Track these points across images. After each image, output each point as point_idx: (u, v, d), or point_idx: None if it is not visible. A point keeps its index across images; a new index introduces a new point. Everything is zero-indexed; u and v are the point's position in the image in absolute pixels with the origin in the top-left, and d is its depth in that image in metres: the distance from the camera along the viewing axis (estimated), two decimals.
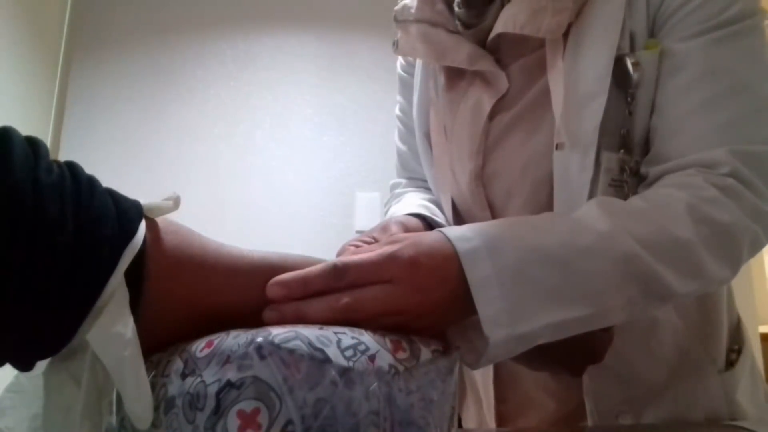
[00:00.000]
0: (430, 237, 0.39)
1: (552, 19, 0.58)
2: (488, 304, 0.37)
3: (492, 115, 0.66)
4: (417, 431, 0.30)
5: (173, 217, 0.34)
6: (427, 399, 0.31)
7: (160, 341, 0.32)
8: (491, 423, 0.71)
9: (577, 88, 0.58)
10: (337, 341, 0.30)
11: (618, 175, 0.58)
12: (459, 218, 0.73)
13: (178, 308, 0.32)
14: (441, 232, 0.40)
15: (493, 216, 0.68)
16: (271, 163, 1.93)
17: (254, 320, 0.33)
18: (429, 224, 0.68)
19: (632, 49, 0.58)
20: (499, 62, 0.65)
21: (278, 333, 0.29)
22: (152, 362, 0.32)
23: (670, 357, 0.61)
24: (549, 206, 0.61)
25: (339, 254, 0.52)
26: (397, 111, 0.86)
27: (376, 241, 0.56)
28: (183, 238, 0.33)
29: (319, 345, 0.28)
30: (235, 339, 0.29)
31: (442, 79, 0.72)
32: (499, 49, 0.65)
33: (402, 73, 0.85)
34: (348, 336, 0.30)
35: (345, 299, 0.34)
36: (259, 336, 0.28)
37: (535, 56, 0.62)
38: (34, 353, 0.28)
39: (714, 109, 0.54)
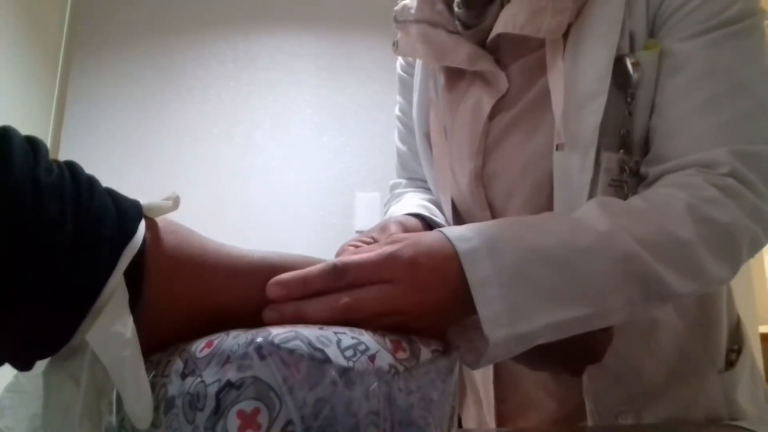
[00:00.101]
0: (429, 237, 0.39)
1: (552, 19, 0.58)
2: (488, 304, 0.37)
3: (492, 115, 0.66)
4: (417, 431, 0.30)
5: (173, 216, 0.34)
6: (427, 399, 0.31)
7: (160, 341, 0.32)
8: (491, 423, 0.71)
9: (576, 89, 0.58)
10: (337, 341, 0.29)
11: (618, 175, 0.58)
12: (459, 218, 0.73)
13: (177, 308, 0.32)
14: (441, 231, 0.40)
15: (493, 216, 0.68)
16: (271, 163, 1.93)
17: (254, 320, 0.33)
18: (428, 224, 0.68)
19: (632, 49, 0.58)
20: (499, 62, 0.65)
21: (278, 333, 0.29)
22: (152, 362, 0.31)
23: (670, 357, 0.61)
24: (549, 206, 0.61)
25: (338, 254, 0.52)
26: (396, 111, 0.86)
27: (376, 241, 0.56)
28: (183, 238, 0.33)
29: (319, 345, 0.28)
30: (235, 339, 0.29)
31: (442, 79, 0.72)
32: (499, 50, 0.65)
33: (402, 73, 0.85)
34: (348, 336, 0.30)
35: (345, 299, 0.34)
36: (259, 336, 0.28)
37: (534, 56, 0.62)
38: (33, 353, 0.28)
39: (714, 109, 0.54)
